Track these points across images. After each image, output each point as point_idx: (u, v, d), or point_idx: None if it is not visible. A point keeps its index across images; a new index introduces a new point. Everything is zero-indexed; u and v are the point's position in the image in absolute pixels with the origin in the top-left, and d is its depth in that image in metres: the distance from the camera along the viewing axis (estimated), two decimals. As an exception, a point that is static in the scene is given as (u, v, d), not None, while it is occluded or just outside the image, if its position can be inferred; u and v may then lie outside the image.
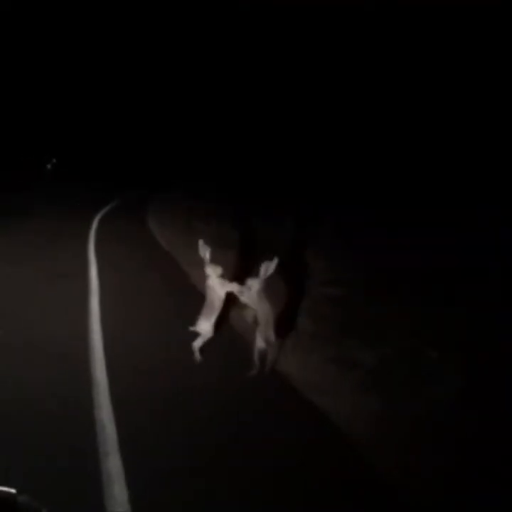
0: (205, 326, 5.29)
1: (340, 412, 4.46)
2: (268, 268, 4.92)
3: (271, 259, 4.90)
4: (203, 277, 5.87)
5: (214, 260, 5.24)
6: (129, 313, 6.72)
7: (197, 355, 5.29)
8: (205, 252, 5.20)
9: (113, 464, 3.70)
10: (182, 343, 5.49)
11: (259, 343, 5.01)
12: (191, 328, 5.29)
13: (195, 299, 6.30)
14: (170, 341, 5.77)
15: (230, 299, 5.42)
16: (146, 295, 7.44)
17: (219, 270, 5.21)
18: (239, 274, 6.09)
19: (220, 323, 5.47)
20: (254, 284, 4.95)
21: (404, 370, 5.04)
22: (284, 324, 5.44)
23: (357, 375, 5.04)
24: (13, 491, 1.70)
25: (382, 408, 4.53)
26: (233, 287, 5.10)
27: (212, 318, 5.29)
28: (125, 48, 34.17)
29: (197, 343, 5.29)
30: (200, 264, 5.44)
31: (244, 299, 5.05)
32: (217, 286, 5.22)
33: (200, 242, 5.25)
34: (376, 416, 4.44)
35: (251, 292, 4.95)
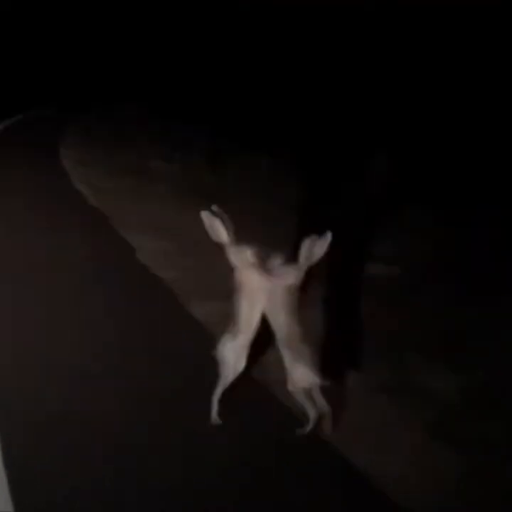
0: (230, 353, 3.27)
1: (397, 476, 3.01)
2: (313, 249, 3.11)
3: (318, 234, 3.10)
4: (159, 252, 4.62)
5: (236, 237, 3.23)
6: (25, 312, 4.36)
7: (215, 414, 3.26)
8: (219, 228, 3.14)
9: None
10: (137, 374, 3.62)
11: (300, 378, 3.18)
12: (216, 353, 3.29)
13: (148, 290, 4.64)
14: (109, 368, 3.75)
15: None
16: (60, 279, 4.97)
17: (250, 255, 3.18)
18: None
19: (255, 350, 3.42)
20: (288, 276, 3.14)
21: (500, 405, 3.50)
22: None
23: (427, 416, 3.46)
24: None
25: (463, 471, 3.05)
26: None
27: (246, 340, 3.28)
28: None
29: (217, 391, 3.29)
30: (155, 229, 4.19)
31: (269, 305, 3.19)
32: (254, 282, 3.21)
33: (205, 214, 3.14)
34: (453, 484, 3.02)
35: (276, 292, 3.15)
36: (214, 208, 3.14)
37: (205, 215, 3.11)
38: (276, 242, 3.60)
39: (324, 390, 3.31)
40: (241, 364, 3.25)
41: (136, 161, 7.84)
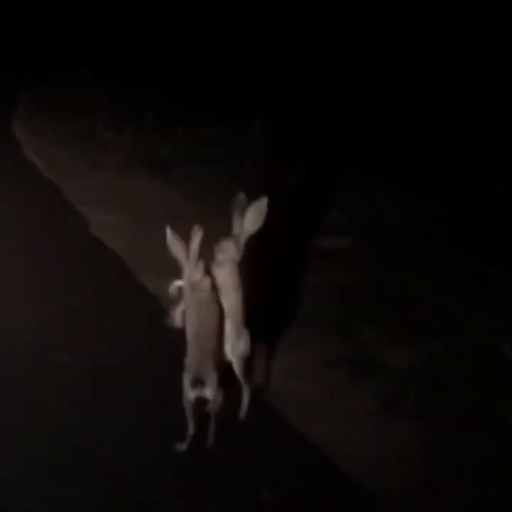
0: (213, 384, 2.91)
1: (353, 449, 3.02)
2: (251, 216, 2.92)
3: (254, 199, 2.94)
4: (112, 225, 4.68)
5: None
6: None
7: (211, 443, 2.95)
8: (179, 251, 2.88)
9: None
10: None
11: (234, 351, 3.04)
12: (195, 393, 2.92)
13: (101, 263, 4.55)
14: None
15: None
16: (9, 252, 4.86)
17: (207, 265, 2.95)
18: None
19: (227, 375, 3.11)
20: (228, 248, 2.96)
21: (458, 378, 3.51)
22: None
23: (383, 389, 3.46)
24: None
25: (420, 443, 3.07)
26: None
27: (212, 384, 2.92)
28: None
29: (212, 425, 2.93)
30: (108, 202, 4.33)
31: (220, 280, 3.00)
32: (210, 294, 2.97)
33: (169, 233, 2.89)
34: (410, 456, 3.06)
35: (224, 264, 2.97)
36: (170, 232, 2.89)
37: (169, 234, 2.91)
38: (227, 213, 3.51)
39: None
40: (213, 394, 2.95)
41: (89, 130, 7.60)
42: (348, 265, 4.69)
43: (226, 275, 2.98)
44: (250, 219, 2.93)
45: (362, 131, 7.32)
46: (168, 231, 2.89)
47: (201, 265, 2.90)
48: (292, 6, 11.27)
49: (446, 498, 2.85)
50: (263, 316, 3.51)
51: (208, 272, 2.93)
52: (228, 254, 2.96)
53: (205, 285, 2.92)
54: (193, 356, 2.91)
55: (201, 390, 2.88)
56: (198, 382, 2.87)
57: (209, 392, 2.88)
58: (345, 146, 6.89)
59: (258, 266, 3.18)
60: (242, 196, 2.97)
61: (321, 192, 5.87)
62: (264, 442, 3.07)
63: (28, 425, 3.03)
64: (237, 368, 3.07)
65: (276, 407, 3.29)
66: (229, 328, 3.03)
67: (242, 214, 2.93)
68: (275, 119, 7.46)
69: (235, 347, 3.04)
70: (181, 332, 3.05)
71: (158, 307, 3.97)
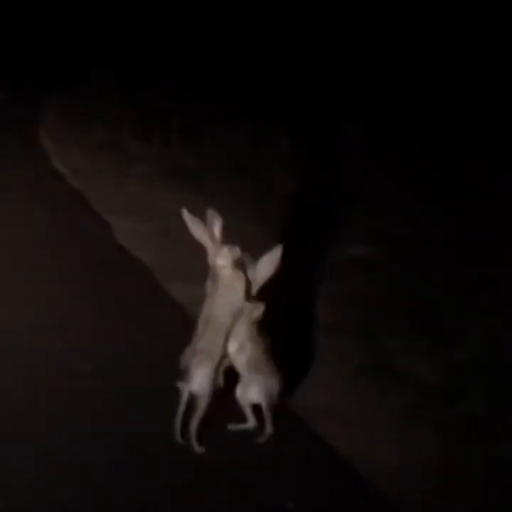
0: (201, 381, 2.86)
1: (374, 457, 3.00)
2: (263, 265, 2.95)
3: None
4: (138, 233, 4.66)
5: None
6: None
7: (194, 443, 2.86)
8: (201, 232, 2.87)
9: None
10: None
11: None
12: (180, 385, 2.91)
13: (127, 271, 4.53)
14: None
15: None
16: (37, 260, 4.83)
17: (236, 253, 2.89)
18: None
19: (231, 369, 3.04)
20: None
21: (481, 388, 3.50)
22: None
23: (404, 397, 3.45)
24: None
25: (441, 454, 3.06)
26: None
27: (215, 359, 2.89)
28: None
29: (193, 424, 2.86)
30: (134, 211, 4.45)
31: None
32: (231, 288, 2.92)
33: (187, 215, 2.90)
34: (431, 463, 3.04)
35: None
36: (210, 211, 2.89)
37: (186, 216, 2.90)
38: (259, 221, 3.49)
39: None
40: (219, 385, 2.95)
41: (116, 140, 7.59)
42: (372, 274, 4.65)
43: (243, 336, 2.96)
44: (262, 267, 2.93)
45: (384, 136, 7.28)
46: (185, 212, 2.88)
47: (227, 253, 2.86)
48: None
49: (467, 508, 2.82)
50: (286, 324, 3.55)
51: (236, 264, 2.88)
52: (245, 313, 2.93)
53: (225, 274, 2.88)
54: (194, 344, 2.91)
55: (188, 383, 2.86)
56: (186, 374, 2.86)
57: (196, 386, 2.85)
58: (370, 155, 6.85)
59: (281, 276, 3.13)
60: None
61: (346, 199, 5.86)
62: (286, 452, 3.03)
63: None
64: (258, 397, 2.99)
65: (300, 417, 3.26)
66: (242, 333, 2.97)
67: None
68: (299, 129, 7.45)
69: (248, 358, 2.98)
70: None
71: (184, 315, 3.95)
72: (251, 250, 3.02)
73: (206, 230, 2.86)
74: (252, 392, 2.95)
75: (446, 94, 8.60)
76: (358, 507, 2.80)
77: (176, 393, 2.93)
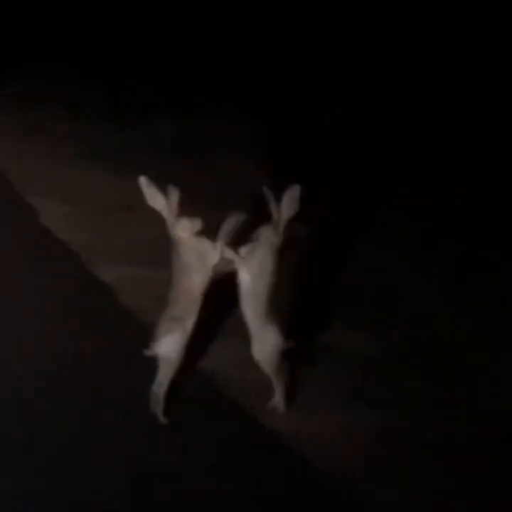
0: (169, 345, 3.01)
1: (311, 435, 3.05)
2: (286, 204, 3.01)
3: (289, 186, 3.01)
4: (66, 216, 4.57)
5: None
6: None
7: (160, 413, 2.98)
8: (158, 200, 2.96)
9: None
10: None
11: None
12: (148, 352, 3.03)
13: (54, 254, 4.51)
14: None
15: (226, 281, 3.24)
16: None
17: (197, 225, 2.99)
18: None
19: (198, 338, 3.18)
20: (267, 232, 3.03)
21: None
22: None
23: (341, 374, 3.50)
24: None
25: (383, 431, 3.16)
26: (230, 253, 3.02)
27: (187, 326, 3.03)
28: None
29: (160, 387, 3.02)
30: (63, 193, 4.41)
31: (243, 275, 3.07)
32: (197, 256, 3.03)
33: (143, 180, 2.99)
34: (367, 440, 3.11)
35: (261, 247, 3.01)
36: (144, 178, 2.98)
37: (143, 183, 2.97)
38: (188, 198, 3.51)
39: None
40: (181, 355, 3.06)
41: (38, 121, 7.55)
42: (315, 251, 4.77)
43: (262, 259, 3.03)
44: (285, 205, 3.01)
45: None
46: (142, 179, 2.93)
47: (187, 224, 2.94)
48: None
49: (409, 483, 2.88)
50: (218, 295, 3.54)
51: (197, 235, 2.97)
52: (267, 238, 3.02)
53: (186, 245, 2.96)
54: (166, 314, 2.99)
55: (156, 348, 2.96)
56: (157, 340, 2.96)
57: (163, 351, 2.95)
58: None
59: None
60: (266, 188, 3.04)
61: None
62: (221, 429, 3.06)
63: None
64: (268, 362, 3.12)
65: (237, 397, 3.30)
66: (250, 313, 3.06)
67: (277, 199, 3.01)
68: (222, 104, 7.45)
69: (260, 336, 3.06)
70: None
71: (114, 297, 4.00)
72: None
73: (165, 201, 2.93)
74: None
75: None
76: (299, 485, 2.83)
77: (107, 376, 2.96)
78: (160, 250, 3.57)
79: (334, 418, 3.22)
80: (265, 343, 3.09)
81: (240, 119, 7.39)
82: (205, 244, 2.98)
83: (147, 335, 3.21)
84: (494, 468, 2.96)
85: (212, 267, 2.98)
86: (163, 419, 2.95)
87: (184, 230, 2.94)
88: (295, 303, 3.77)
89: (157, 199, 2.94)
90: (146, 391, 3.05)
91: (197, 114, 7.60)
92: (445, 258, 4.72)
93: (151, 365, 3.09)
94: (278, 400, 3.16)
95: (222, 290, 3.39)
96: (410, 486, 2.86)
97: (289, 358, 3.33)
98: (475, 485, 2.90)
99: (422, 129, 6.79)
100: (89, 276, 4.34)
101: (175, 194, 2.92)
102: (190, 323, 3.00)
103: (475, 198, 5.44)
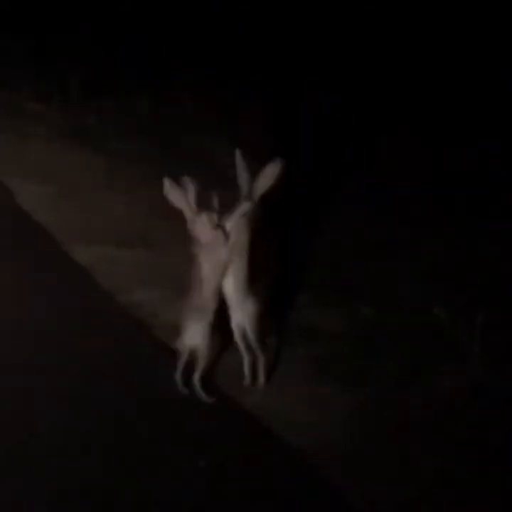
0: (196, 335, 3.14)
1: (283, 413, 3.08)
2: (263, 178, 3.11)
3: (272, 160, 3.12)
4: (40, 196, 4.53)
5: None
6: None
7: (201, 393, 3.12)
8: (181, 200, 3.06)
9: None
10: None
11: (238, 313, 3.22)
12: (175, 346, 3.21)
13: (28, 235, 4.49)
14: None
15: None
16: None
17: (214, 220, 3.11)
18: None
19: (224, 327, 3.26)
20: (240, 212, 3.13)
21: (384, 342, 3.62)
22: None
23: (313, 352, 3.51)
24: None
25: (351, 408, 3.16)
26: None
27: (209, 315, 3.16)
28: None
29: (196, 374, 3.13)
30: (36, 173, 4.40)
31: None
32: (213, 249, 3.16)
33: (166, 182, 3.08)
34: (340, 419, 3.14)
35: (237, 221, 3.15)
36: (185, 178, 3.05)
37: (167, 184, 3.05)
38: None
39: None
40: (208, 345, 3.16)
41: (11, 100, 7.40)
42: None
43: (238, 232, 3.13)
44: (262, 179, 3.09)
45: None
46: (166, 182, 3.02)
47: (206, 219, 3.06)
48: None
49: (378, 461, 2.88)
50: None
51: (215, 228, 3.09)
52: (243, 212, 3.10)
53: (206, 238, 3.09)
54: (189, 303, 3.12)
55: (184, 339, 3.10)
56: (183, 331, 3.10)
57: (191, 341, 3.08)
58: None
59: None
60: (238, 154, 3.13)
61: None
62: (198, 413, 3.07)
63: None
64: (249, 329, 3.18)
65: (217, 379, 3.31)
66: (231, 287, 3.14)
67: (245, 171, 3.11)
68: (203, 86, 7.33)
69: (243, 307, 3.14)
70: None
71: (88, 277, 4.00)
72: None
73: (184, 198, 3.02)
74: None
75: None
76: (269, 463, 2.84)
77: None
78: (137, 230, 3.57)
79: (308, 396, 3.25)
80: (248, 311, 3.17)
81: (214, 100, 7.35)
82: (221, 238, 3.11)
83: (125, 315, 3.24)
84: (471, 443, 2.94)
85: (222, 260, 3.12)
86: (207, 399, 3.09)
87: (204, 225, 3.06)
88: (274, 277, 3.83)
89: (181, 200, 3.03)
90: (128, 369, 3.12)
91: (174, 94, 7.54)
92: (413, 235, 4.70)
93: (129, 345, 3.13)
94: (260, 372, 3.22)
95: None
96: (387, 465, 2.87)
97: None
98: (444, 458, 2.89)
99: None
100: (66, 256, 4.31)
101: (192, 189, 3.02)
102: (210, 311, 3.13)
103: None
